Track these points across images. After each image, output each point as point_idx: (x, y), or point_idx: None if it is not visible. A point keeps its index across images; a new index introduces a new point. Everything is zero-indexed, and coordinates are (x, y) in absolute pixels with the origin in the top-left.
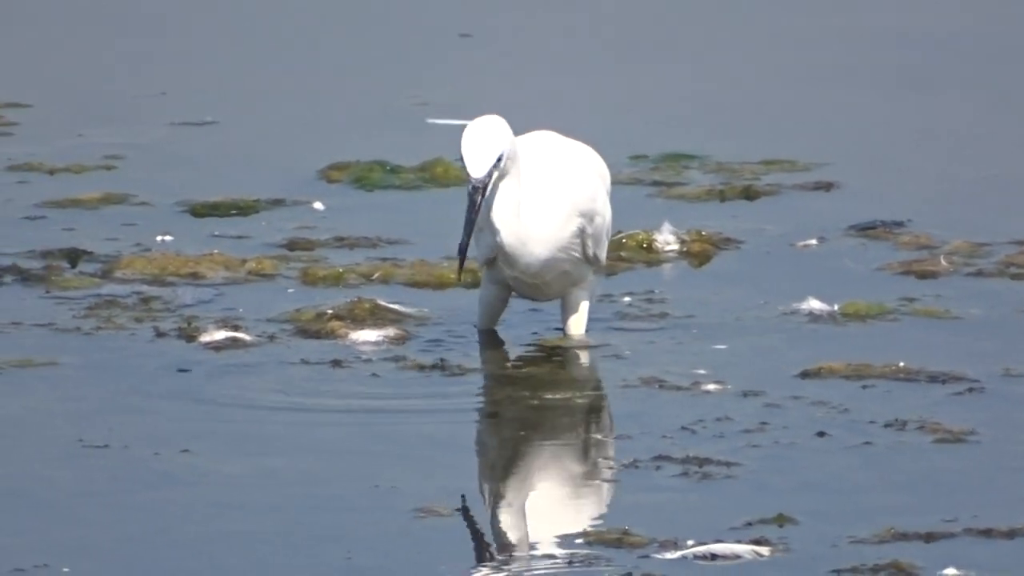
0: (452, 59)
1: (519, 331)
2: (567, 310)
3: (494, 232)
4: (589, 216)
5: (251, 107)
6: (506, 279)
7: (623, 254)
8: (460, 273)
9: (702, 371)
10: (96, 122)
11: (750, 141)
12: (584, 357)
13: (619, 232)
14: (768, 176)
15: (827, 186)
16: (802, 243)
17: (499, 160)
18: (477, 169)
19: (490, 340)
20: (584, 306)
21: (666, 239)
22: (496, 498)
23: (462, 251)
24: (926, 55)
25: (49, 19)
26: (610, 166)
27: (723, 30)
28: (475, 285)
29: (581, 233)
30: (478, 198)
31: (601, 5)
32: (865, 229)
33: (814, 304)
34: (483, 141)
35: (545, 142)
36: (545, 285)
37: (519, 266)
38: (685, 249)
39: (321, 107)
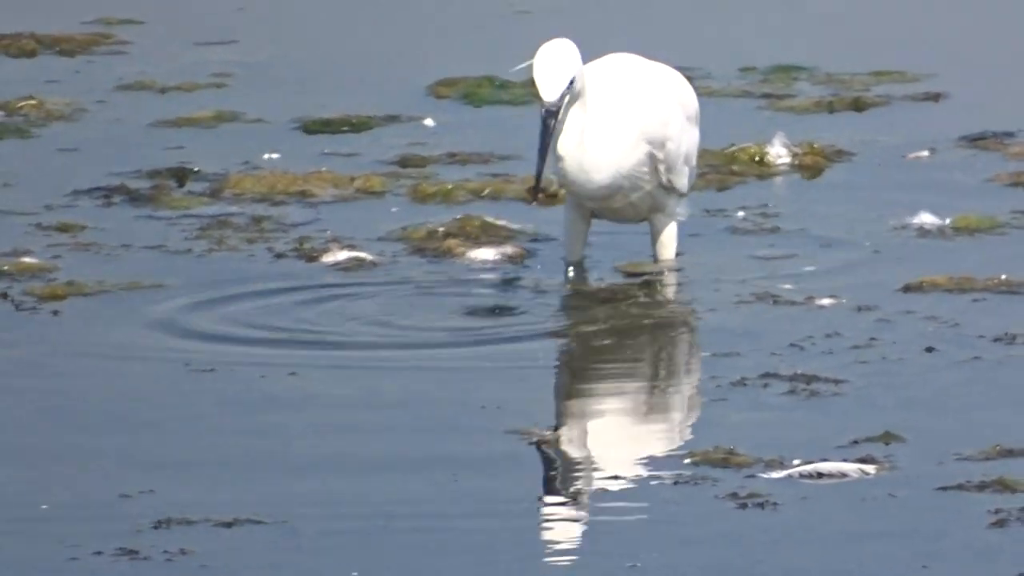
0: None
1: (613, 253)
2: (653, 236)
3: (557, 159)
4: (660, 142)
5: (358, 24)
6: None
7: (735, 168)
8: (535, 197)
9: (814, 286)
10: (206, 39)
11: (859, 52)
12: (692, 275)
13: (732, 145)
14: (877, 87)
15: (936, 97)
16: (913, 155)
17: (571, 83)
18: (550, 92)
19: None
20: (669, 231)
21: (778, 152)
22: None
23: (537, 176)
24: None
25: None
26: (719, 78)
27: None
28: None
29: (652, 159)
30: (551, 123)
31: None
32: (975, 140)
33: (925, 218)
34: (555, 64)
35: (620, 65)
36: (619, 209)
37: (582, 193)
38: (797, 162)
39: (428, 22)
